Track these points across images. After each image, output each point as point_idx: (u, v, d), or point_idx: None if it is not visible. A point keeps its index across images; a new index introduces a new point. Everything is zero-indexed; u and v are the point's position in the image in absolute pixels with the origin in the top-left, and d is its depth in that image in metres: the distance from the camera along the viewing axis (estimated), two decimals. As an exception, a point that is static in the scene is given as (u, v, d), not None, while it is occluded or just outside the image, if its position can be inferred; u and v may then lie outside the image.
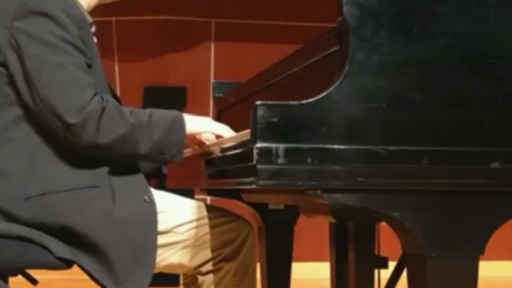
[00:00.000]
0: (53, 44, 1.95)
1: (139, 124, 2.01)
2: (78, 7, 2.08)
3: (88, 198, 1.98)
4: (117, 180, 2.03)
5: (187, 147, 2.29)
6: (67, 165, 2.00)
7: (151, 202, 2.04)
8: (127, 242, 1.98)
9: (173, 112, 2.10)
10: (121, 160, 2.05)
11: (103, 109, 1.96)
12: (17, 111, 2.00)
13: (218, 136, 2.15)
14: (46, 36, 1.95)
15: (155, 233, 2.03)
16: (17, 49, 1.95)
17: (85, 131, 1.95)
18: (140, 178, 2.09)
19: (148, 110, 2.06)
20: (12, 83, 1.98)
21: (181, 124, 2.07)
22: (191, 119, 2.12)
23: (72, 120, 1.94)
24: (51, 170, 1.99)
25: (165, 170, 2.46)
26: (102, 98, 1.99)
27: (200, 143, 2.20)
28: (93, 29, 2.16)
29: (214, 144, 2.13)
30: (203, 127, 2.15)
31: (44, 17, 1.95)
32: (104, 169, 2.03)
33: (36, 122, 1.99)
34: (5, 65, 1.98)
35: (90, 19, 2.15)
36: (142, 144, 2.01)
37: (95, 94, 1.97)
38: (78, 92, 1.95)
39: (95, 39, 2.15)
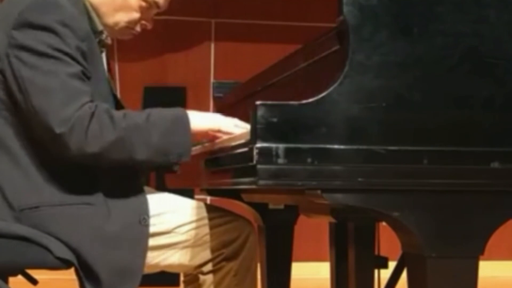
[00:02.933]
0: (49, 54, 1.92)
1: (133, 128, 1.94)
2: (84, 18, 2.05)
3: (80, 215, 1.96)
4: (114, 197, 2.00)
5: (196, 144, 2.27)
6: (63, 178, 1.98)
7: (146, 226, 2.02)
8: (115, 265, 1.96)
9: (175, 110, 2.02)
10: (117, 167, 1.99)
11: (92, 115, 1.90)
12: (14, 120, 1.98)
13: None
14: (41, 47, 1.92)
15: (144, 257, 2.01)
16: (13, 58, 1.94)
17: (71, 140, 1.89)
18: (140, 197, 2.05)
19: (146, 111, 1.99)
20: (8, 91, 1.97)
21: (184, 122, 1.99)
22: (196, 116, 2.03)
23: (58, 129, 1.89)
24: (46, 183, 1.97)
25: (176, 168, 2.41)
26: (94, 105, 1.93)
27: (213, 138, 2.13)
28: (104, 36, 2.13)
29: (216, 144, 2.13)
30: (210, 125, 2.05)
31: (42, 30, 1.92)
32: (102, 186, 2.00)
33: (32, 133, 1.97)
34: (2, 73, 1.97)
35: (100, 27, 2.12)
36: (138, 149, 1.94)
37: (87, 102, 1.92)
38: (68, 100, 1.91)
39: (103, 54, 2.12)
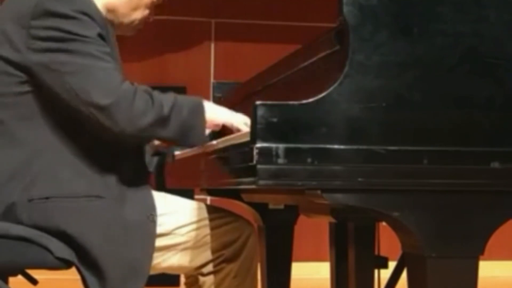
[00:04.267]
0: (75, 39, 1.94)
1: (170, 107, 1.98)
2: (98, 9, 2.06)
3: (90, 208, 1.97)
4: (124, 192, 2.01)
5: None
6: (75, 170, 1.98)
7: (153, 222, 2.03)
8: (122, 261, 1.96)
9: (194, 98, 2.08)
10: (150, 140, 2.07)
11: (135, 91, 1.95)
12: (27, 111, 1.98)
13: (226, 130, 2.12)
14: (66, 34, 1.93)
15: (151, 254, 2.02)
16: (40, 48, 1.94)
17: (119, 113, 1.92)
18: (147, 193, 2.07)
19: (171, 93, 2.04)
20: (27, 82, 1.96)
21: (202, 108, 2.04)
22: (211, 107, 2.09)
23: (103, 101, 1.91)
24: (58, 174, 1.97)
25: (170, 159, 2.43)
26: (133, 83, 1.98)
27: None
28: None
29: (216, 144, 2.13)
30: (224, 118, 2.10)
31: (63, 18, 1.94)
32: (113, 179, 2.01)
33: (47, 123, 1.98)
34: (19, 65, 1.96)
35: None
36: (173, 126, 1.99)
37: (124, 79, 1.97)
38: (109, 75, 1.94)
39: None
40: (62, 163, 1.98)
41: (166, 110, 1.98)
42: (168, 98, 2.01)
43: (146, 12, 2.21)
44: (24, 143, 1.98)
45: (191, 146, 2.09)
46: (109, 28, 2.09)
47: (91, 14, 1.98)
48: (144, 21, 2.23)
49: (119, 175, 2.02)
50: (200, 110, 2.03)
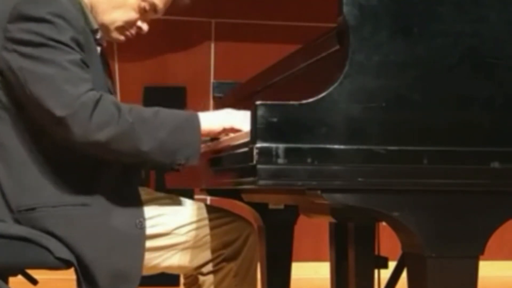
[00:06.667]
0: (45, 44, 1.91)
1: (140, 121, 1.90)
2: (80, 14, 2.04)
3: (77, 216, 1.95)
4: (111, 199, 1.99)
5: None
6: (60, 179, 1.96)
7: (141, 229, 2.01)
8: (111, 269, 1.95)
9: (186, 112, 2.00)
10: (123, 161, 1.98)
11: (96, 102, 1.88)
12: (11, 119, 1.97)
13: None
14: (37, 38, 1.90)
15: (140, 261, 2.01)
16: (10, 50, 1.93)
17: (75, 124, 1.86)
18: (136, 200, 2.04)
19: (155, 108, 1.96)
20: (6, 88, 1.96)
21: (195, 123, 1.96)
22: (208, 116, 2.00)
23: (59, 112, 1.86)
24: (43, 184, 1.96)
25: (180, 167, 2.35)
26: (99, 93, 1.91)
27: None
28: (98, 35, 2.12)
29: (217, 144, 2.13)
30: (223, 124, 2.01)
31: (36, 22, 1.92)
32: (99, 187, 1.99)
33: (30, 131, 1.96)
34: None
35: (95, 25, 2.11)
36: (144, 143, 1.90)
37: (89, 89, 1.90)
38: (71, 86, 1.89)
39: (98, 49, 2.11)
40: (47, 173, 1.96)
41: (133, 126, 1.89)
42: (143, 113, 1.93)
43: (133, 15, 2.13)
44: (6, 153, 1.96)
45: (181, 165, 1.97)
46: (89, 34, 2.05)
47: (67, 17, 1.95)
48: (132, 26, 2.16)
49: (105, 183, 2.00)
50: (189, 127, 1.95)
